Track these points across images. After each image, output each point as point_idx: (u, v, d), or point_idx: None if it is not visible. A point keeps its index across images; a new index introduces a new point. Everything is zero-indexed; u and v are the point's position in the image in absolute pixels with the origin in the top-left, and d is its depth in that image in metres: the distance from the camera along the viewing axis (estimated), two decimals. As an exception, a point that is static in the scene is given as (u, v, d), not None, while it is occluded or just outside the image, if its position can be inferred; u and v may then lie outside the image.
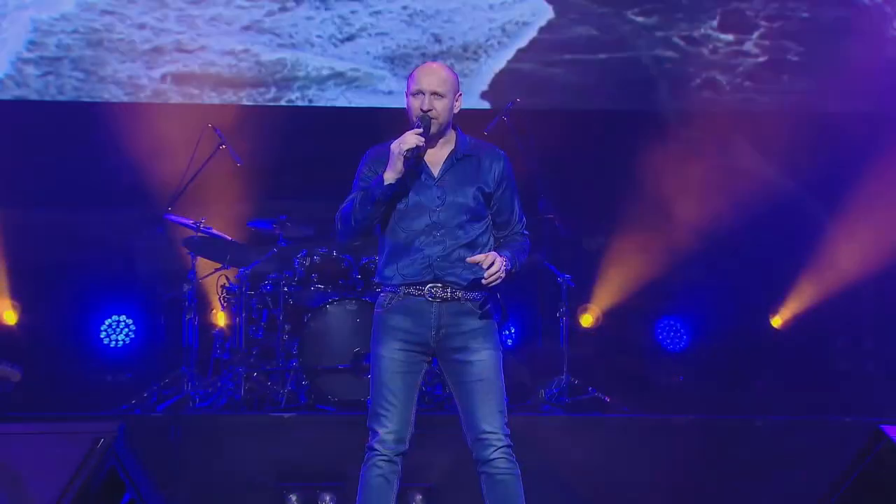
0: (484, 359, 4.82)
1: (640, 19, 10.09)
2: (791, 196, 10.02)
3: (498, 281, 4.74)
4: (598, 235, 10.06)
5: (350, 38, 10.00)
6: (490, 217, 4.95)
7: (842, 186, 9.84)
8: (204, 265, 8.75)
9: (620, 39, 10.09)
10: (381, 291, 4.94)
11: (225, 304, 8.63)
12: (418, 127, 4.79)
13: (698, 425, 7.47)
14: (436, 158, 4.91)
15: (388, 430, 4.79)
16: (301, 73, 10.00)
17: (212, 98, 9.96)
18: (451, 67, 5.01)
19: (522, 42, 10.06)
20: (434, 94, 4.82)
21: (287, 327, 8.36)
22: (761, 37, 10.10)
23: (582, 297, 9.97)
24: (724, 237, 10.01)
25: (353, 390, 7.95)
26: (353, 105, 10.03)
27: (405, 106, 4.93)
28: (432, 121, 4.81)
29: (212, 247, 8.61)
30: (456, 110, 4.92)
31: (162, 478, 6.70)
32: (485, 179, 4.90)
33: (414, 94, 4.86)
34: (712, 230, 10.00)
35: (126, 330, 10.09)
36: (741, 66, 10.14)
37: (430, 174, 4.88)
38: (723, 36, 10.13)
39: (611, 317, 10.19)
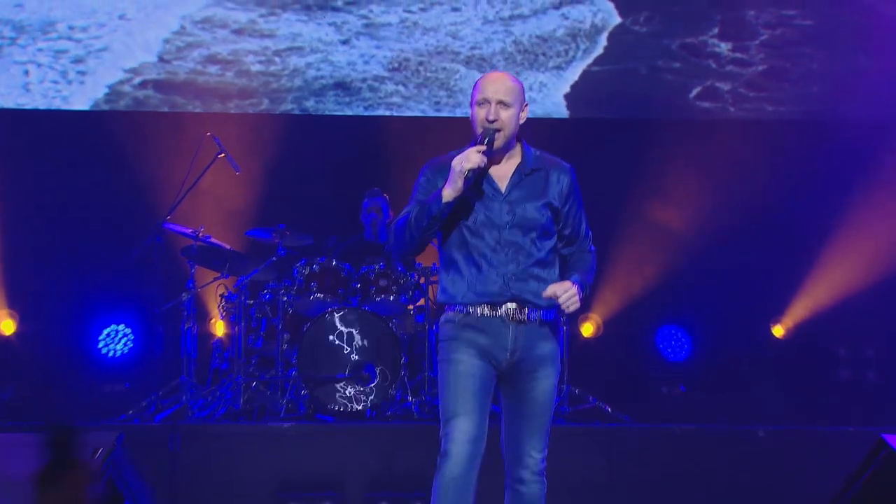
0: (546, 387, 4.70)
1: (639, 28, 10.08)
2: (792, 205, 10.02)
3: (574, 308, 4.65)
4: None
5: (345, 42, 9.99)
6: (557, 233, 4.76)
7: (844, 195, 9.82)
8: (202, 274, 8.72)
9: (621, 48, 10.07)
10: (449, 310, 4.70)
11: (224, 314, 8.60)
12: (481, 139, 4.58)
13: (700, 435, 7.44)
14: (502, 172, 4.69)
15: (464, 432, 4.55)
16: (298, 83, 9.98)
17: (197, 108, 9.94)
18: (516, 77, 4.81)
19: (530, 51, 10.05)
20: (500, 103, 4.60)
21: (286, 336, 8.33)
22: (762, 45, 10.09)
23: (582, 305, 9.92)
24: (726, 246, 9.99)
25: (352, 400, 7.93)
26: (354, 114, 10.01)
27: (469, 115, 4.71)
28: (497, 132, 4.60)
29: (210, 256, 8.58)
30: (522, 121, 4.68)
31: (160, 488, 6.67)
32: (553, 194, 4.69)
33: (479, 104, 4.63)
34: (713, 239, 9.99)
35: (124, 339, 10.06)
36: (742, 74, 10.13)
37: (497, 189, 4.67)
38: (723, 44, 10.11)
39: (611, 326, 10.17)
